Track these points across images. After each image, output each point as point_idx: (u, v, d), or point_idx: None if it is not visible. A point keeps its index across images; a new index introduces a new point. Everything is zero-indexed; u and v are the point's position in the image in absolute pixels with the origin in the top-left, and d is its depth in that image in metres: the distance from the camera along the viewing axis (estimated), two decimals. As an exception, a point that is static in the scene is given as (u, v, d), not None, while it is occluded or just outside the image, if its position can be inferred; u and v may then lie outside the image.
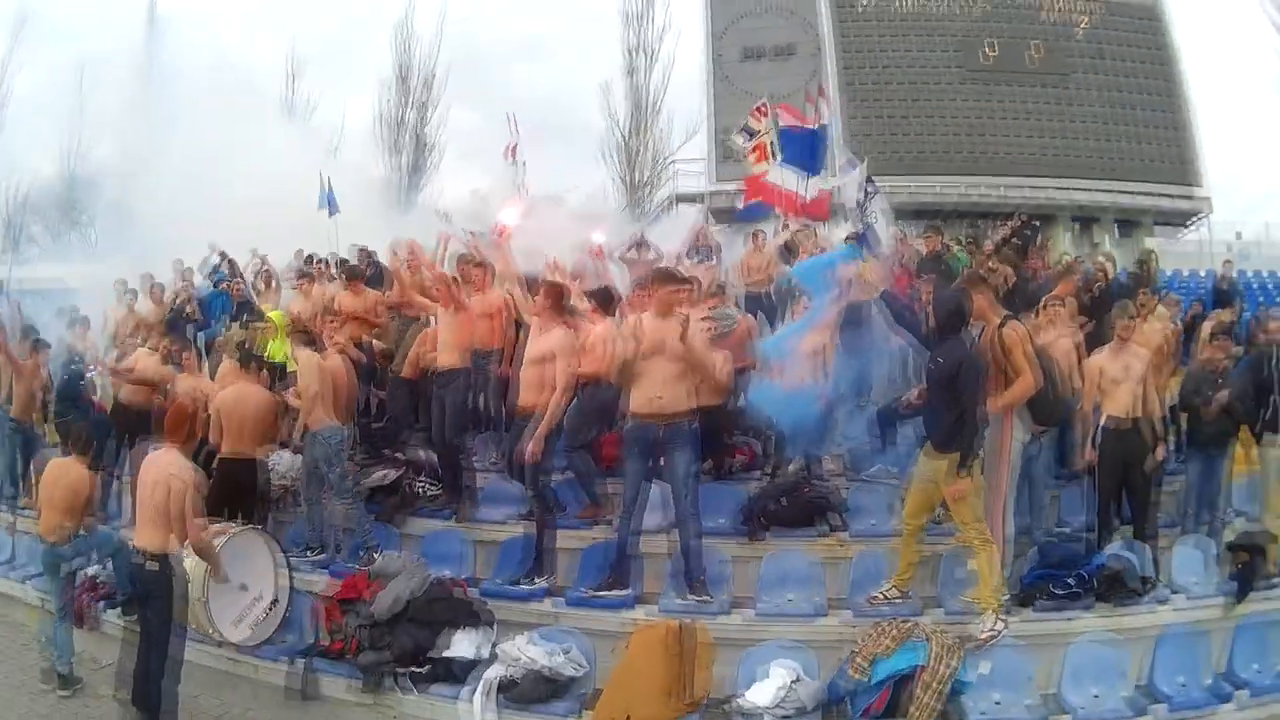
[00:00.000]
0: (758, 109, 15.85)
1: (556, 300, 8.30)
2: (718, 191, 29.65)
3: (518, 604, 7.92)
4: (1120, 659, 7.12)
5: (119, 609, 8.63)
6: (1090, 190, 31.89)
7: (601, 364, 8.11)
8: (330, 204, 17.77)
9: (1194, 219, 33.49)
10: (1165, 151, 32.69)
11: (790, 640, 7.19)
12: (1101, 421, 8.46)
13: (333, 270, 14.03)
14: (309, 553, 9.00)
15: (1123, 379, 8.43)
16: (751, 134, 15.72)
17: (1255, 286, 24.23)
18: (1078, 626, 7.41)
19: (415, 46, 41.10)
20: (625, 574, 7.74)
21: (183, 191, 22.41)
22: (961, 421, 6.91)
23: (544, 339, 8.09)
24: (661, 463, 7.75)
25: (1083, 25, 33.53)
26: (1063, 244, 29.43)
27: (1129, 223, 32.72)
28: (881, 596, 7.50)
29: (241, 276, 15.09)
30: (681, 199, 33.34)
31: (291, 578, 8.23)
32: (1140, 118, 32.87)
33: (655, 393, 7.43)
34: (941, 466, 7.03)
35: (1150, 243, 26.97)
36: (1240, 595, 7.98)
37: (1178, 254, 28.18)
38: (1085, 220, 32.64)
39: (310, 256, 15.15)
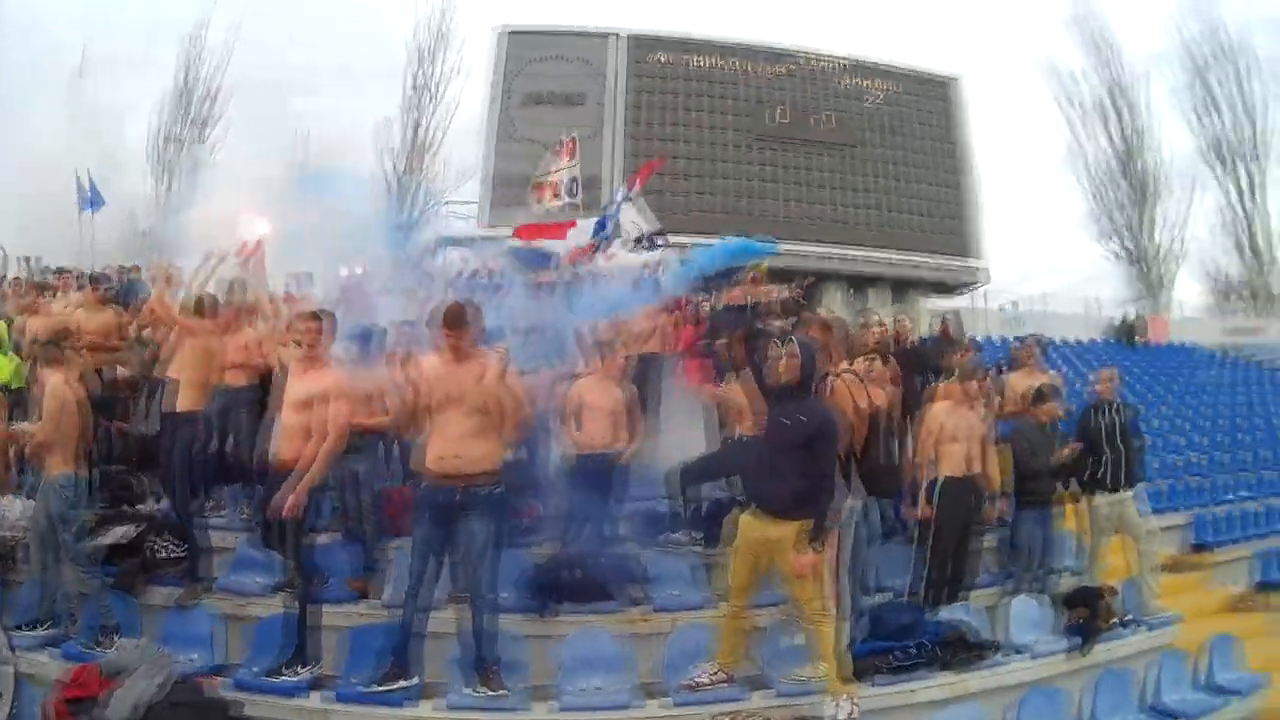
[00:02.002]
0: (568, 146, 15.24)
1: (327, 332, 7.09)
2: (488, 237, 28.57)
3: (279, 700, 6.58)
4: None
5: None
6: (868, 261, 32.84)
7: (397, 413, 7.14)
8: (92, 202, 16.21)
9: (969, 286, 34.97)
10: (947, 224, 34.13)
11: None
12: (940, 479, 8.11)
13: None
14: (37, 626, 7.39)
15: (963, 437, 8.16)
16: (551, 170, 15.14)
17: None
18: (925, 695, 7.06)
19: (207, 57, 40.45)
20: (408, 661, 6.54)
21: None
22: (816, 487, 6.18)
23: (310, 379, 6.85)
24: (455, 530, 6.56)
25: (877, 98, 34.67)
26: (836, 304, 30.39)
27: (903, 286, 33.69)
28: (705, 680, 6.61)
29: None
30: (449, 242, 32.05)
31: (15, 663, 6.71)
32: (924, 191, 34.26)
33: (450, 450, 6.36)
34: (781, 535, 6.23)
35: (928, 306, 27.77)
36: (1083, 649, 8.06)
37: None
38: (859, 282, 33.41)
39: (54, 269, 13.54)
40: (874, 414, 7.11)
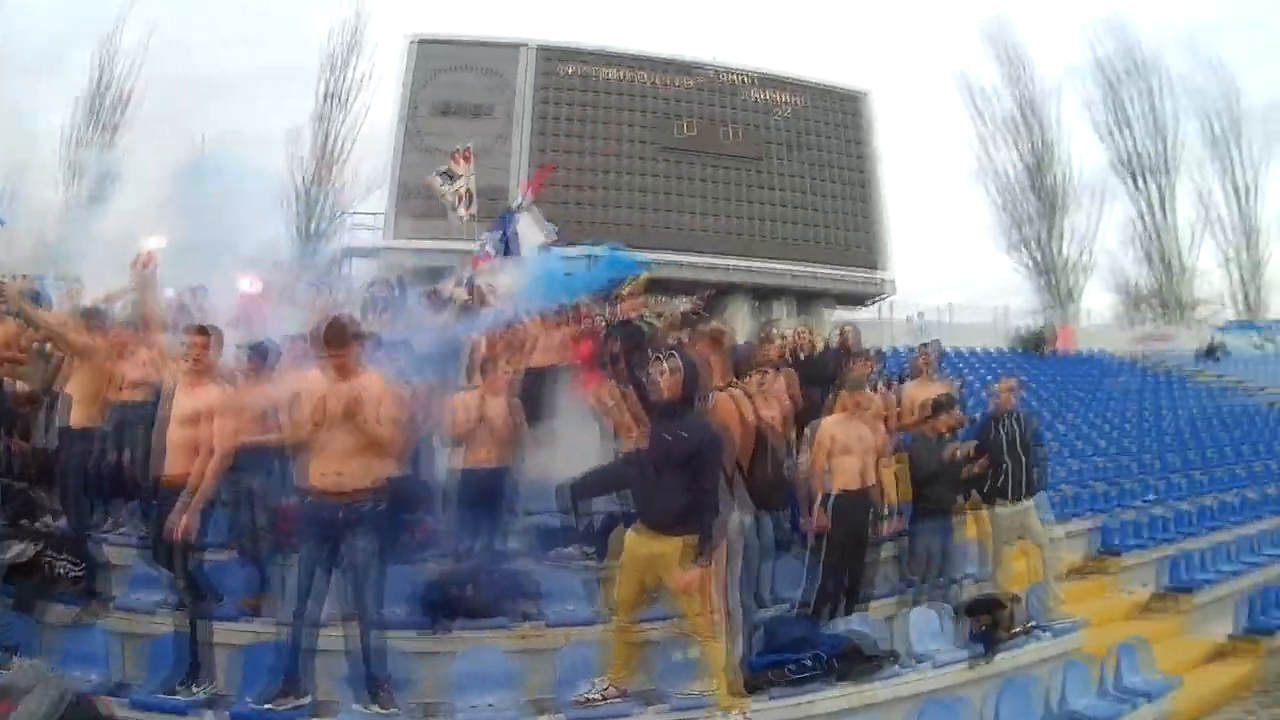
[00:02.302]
0: (464, 154, 15.25)
1: (213, 347, 7.01)
2: (393, 248, 28.65)
3: (174, 719, 6.43)
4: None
5: None
6: (774, 273, 33.03)
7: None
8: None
9: (875, 298, 35.40)
10: (853, 237, 34.41)
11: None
12: (833, 490, 8.08)
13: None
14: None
15: (855, 449, 8.12)
16: (453, 178, 15.17)
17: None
18: (823, 706, 7.03)
19: (119, 60, 40.06)
20: (300, 679, 6.42)
21: None
22: (699, 503, 6.14)
23: (197, 394, 6.77)
24: (340, 547, 6.46)
25: (785, 111, 34.88)
26: (741, 316, 30.81)
27: (808, 298, 33.90)
28: (598, 696, 6.53)
29: None
30: (355, 253, 31.82)
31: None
32: (831, 204, 34.50)
33: (333, 466, 6.27)
34: (665, 550, 6.21)
35: (833, 318, 27.98)
36: (986, 657, 8.09)
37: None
38: (765, 294, 33.55)
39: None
40: (762, 428, 7.09)
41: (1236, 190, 51.53)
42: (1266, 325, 44.05)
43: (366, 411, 6.22)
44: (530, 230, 13.78)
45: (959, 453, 8.93)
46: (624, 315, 9.92)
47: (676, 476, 6.20)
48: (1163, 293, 51.12)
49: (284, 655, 6.45)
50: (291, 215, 38.77)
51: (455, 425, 8.43)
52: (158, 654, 7.02)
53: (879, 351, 10.81)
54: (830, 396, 9.05)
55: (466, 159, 16.17)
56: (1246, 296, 51.33)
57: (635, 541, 6.42)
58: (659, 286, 28.16)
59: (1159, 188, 51.17)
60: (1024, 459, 9.29)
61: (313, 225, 38.95)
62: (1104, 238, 51.18)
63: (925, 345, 11.19)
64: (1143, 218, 51.42)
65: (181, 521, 6.46)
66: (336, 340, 6.25)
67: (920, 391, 10.03)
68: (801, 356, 10.63)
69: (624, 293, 6.78)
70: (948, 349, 29.43)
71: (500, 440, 8.46)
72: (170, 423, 6.85)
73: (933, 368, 10.61)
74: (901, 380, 11.20)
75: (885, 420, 9.37)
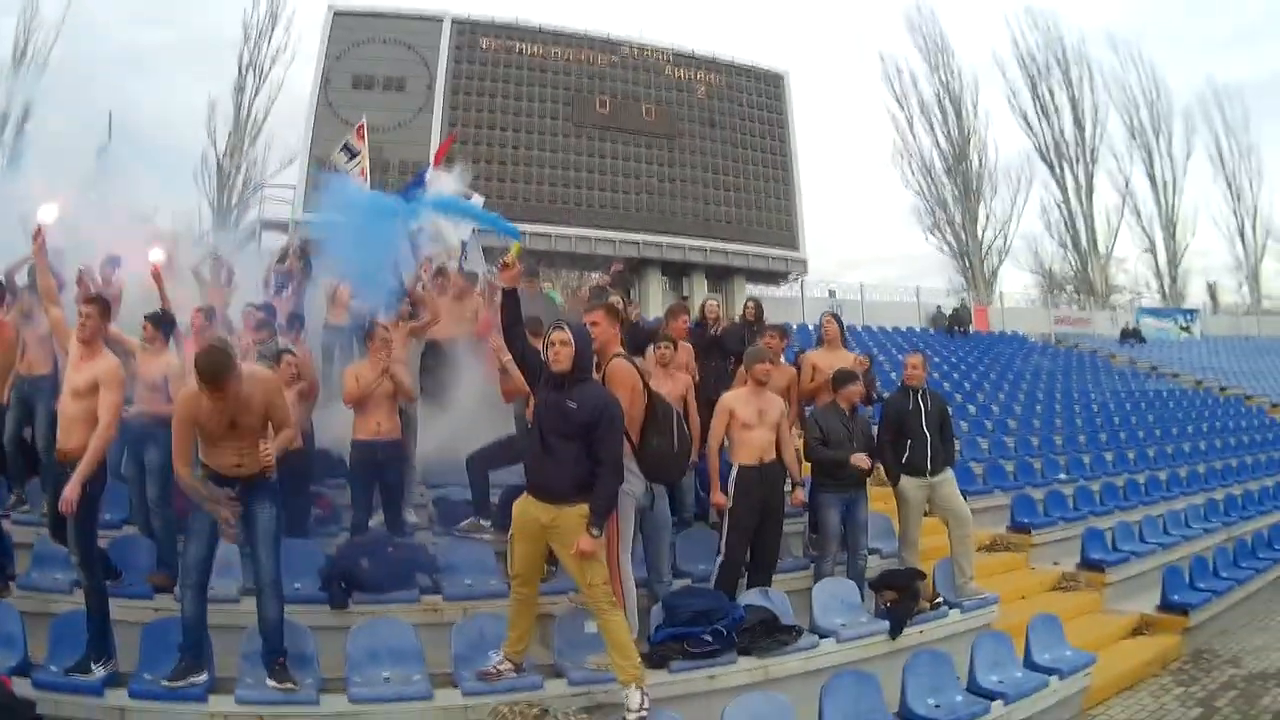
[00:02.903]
0: (359, 130, 15.28)
1: (104, 319, 6.89)
2: (305, 221, 27.47)
3: (75, 698, 6.26)
4: (783, 712, 6.37)
5: None
6: (688, 250, 32.95)
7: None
8: None
9: (789, 275, 35.63)
10: (768, 216, 34.49)
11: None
12: (734, 467, 8.10)
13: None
14: None
15: (756, 424, 8.11)
16: (354, 154, 15.15)
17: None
18: (726, 681, 7.01)
19: (37, 27, 39.33)
20: (200, 655, 6.31)
21: None
22: (595, 473, 6.12)
23: (89, 366, 6.62)
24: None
25: (702, 90, 34.86)
26: (654, 292, 31.54)
27: (723, 275, 33.96)
28: (494, 671, 6.46)
29: None
30: (267, 226, 30.78)
31: None
32: (746, 183, 34.49)
33: (231, 460, 6.21)
34: (556, 520, 6.15)
35: (747, 294, 28.11)
36: (894, 632, 8.11)
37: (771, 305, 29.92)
38: (680, 270, 33.70)
39: None
40: (655, 400, 7.01)
41: (1154, 181, 52.70)
42: (1184, 311, 45.15)
43: (253, 418, 6.18)
44: (448, 186, 13.81)
45: (864, 467, 8.74)
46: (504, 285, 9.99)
47: (569, 447, 6.15)
48: (1080, 278, 52.08)
49: (182, 631, 6.33)
50: (207, 187, 38.53)
51: (345, 396, 8.46)
52: (60, 633, 6.86)
53: (780, 327, 10.51)
54: (742, 370, 9.00)
55: (361, 136, 16.14)
56: (1162, 285, 52.50)
57: (525, 511, 6.35)
58: (580, 262, 28.22)
59: (1074, 177, 52.29)
60: (930, 436, 9.27)
61: (226, 199, 38.60)
62: (1023, 223, 52.11)
63: (828, 314, 11.00)
64: (1063, 205, 52.41)
65: (64, 496, 6.30)
66: (210, 380, 5.87)
67: (827, 359, 9.93)
68: (708, 330, 10.60)
69: (506, 261, 6.68)
70: (859, 327, 29.85)
71: (390, 412, 8.48)
72: (63, 396, 6.75)
73: (839, 336, 10.44)
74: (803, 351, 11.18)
75: (789, 391, 9.43)
